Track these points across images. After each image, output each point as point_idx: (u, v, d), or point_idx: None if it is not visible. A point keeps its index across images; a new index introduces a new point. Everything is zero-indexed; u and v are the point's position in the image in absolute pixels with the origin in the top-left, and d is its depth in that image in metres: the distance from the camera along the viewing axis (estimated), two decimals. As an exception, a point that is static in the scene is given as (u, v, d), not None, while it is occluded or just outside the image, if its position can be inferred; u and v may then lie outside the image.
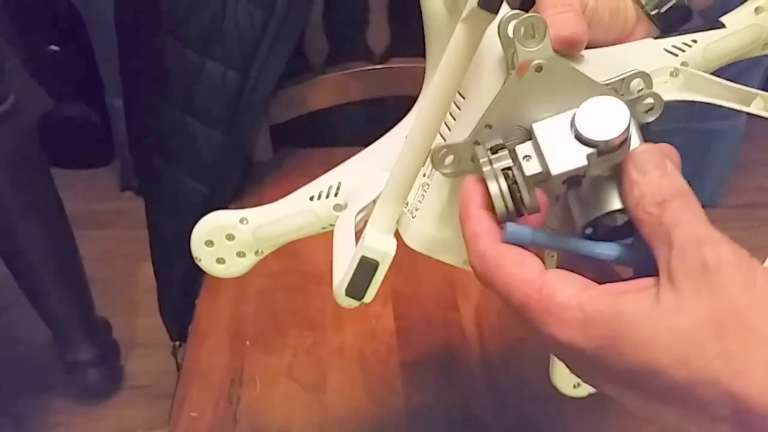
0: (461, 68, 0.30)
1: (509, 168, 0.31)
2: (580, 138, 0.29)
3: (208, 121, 0.75)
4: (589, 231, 0.31)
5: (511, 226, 0.30)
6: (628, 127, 0.29)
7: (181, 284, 0.85)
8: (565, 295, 0.27)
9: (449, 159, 0.35)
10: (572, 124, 0.30)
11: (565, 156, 0.30)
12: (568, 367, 0.30)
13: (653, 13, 0.40)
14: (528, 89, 0.32)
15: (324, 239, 0.75)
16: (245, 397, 0.59)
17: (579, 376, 0.31)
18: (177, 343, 0.93)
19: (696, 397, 0.24)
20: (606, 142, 0.29)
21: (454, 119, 0.37)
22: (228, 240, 0.46)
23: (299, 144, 0.88)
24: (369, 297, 0.32)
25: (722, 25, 0.42)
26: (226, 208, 0.71)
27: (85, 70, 1.53)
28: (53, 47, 1.55)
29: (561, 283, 0.28)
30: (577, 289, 0.28)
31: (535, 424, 0.58)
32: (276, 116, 0.82)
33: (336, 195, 0.44)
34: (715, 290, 0.25)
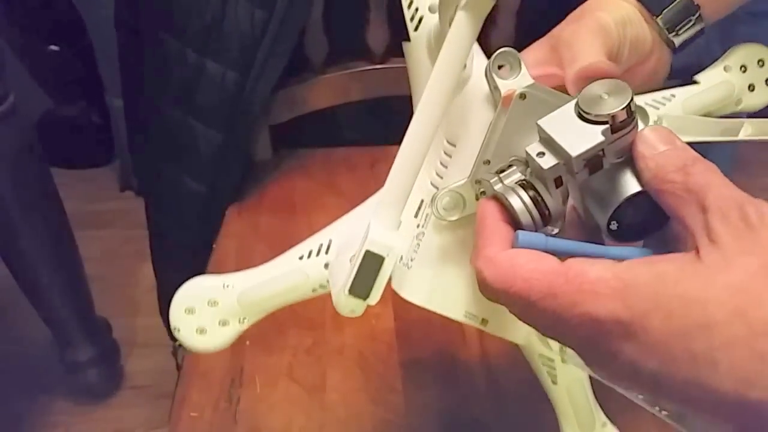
0: (461, 57, 0.31)
1: (523, 180, 0.31)
2: (587, 119, 0.29)
3: (208, 121, 0.75)
4: (614, 226, 0.30)
5: (523, 234, 0.30)
6: (632, 99, 0.29)
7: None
8: (596, 270, 0.26)
9: (451, 203, 0.35)
10: (576, 109, 0.30)
11: (579, 138, 0.29)
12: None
13: (671, 35, 0.42)
14: (517, 118, 0.33)
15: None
16: (245, 397, 0.59)
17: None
18: (177, 343, 0.93)
19: (757, 352, 0.23)
20: (613, 115, 0.28)
21: (446, 167, 0.38)
22: (210, 306, 0.43)
23: (299, 144, 0.88)
24: (374, 297, 0.30)
25: (696, 83, 0.46)
26: (225, 208, 0.71)
27: (85, 70, 1.54)
28: (53, 47, 1.55)
29: (587, 264, 0.27)
30: (607, 264, 0.26)
31: (535, 424, 0.58)
32: (276, 116, 0.82)
33: (327, 252, 0.41)
34: (764, 245, 0.24)
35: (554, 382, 0.45)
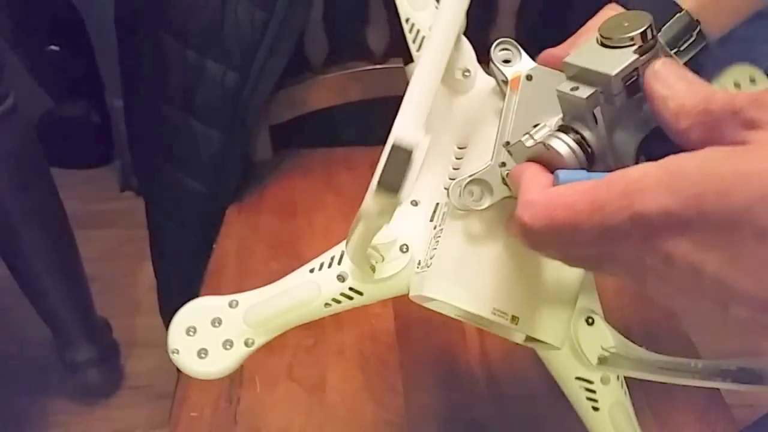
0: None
1: (560, 126, 0.31)
2: (612, 45, 0.29)
3: (208, 121, 0.75)
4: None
5: (563, 172, 0.29)
6: (652, 23, 0.29)
7: (181, 284, 0.85)
8: (639, 168, 0.24)
9: (478, 192, 0.35)
10: (599, 40, 0.30)
11: (612, 60, 0.29)
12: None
13: (674, 52, 0.41)
14: (527, 98, 0.34)
15: (324, 239, 0.75)
16: (245, 397, 0.59)
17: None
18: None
19: None
20: (637, 35, 0.28)
21: (458, 169, 0.39)
22: (214, 326, 0.39)
23: (299, 144, 0.88)
24: (405, 193, 0.27)
25: None
26: (225, 208, 0.70)
27: (85, 70, 1.53)
28: (53, 47, 1.55)
29: (628, 168, 0.25)
30: (646, 164, 0.24)
31: (536, 424, 0.58)
32: (276, 116, 0.82)
33: (339, 263, 0.40)
34: None
35: (595, 409, 0.42)
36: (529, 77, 0.34)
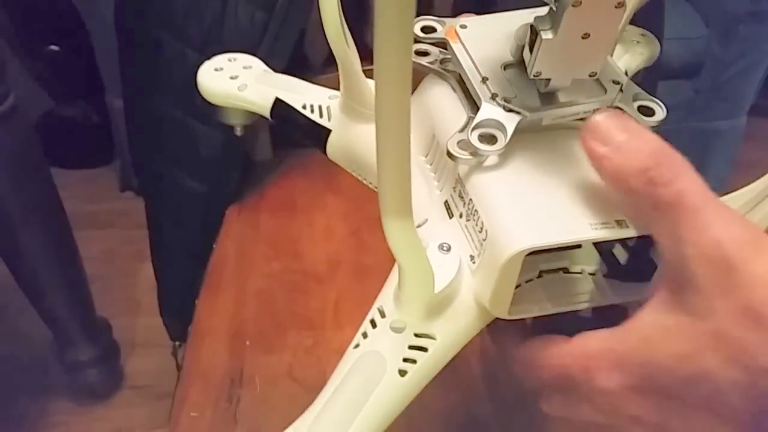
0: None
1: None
2: None
3: (208, 121, 0.75)
4: None
5: None
6: None
7: (181, 284, 0.85)
8: (596, 343, 0.28)
9: (486, 134, 0.30)
10: None
11: None
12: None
13: None
14: (473, 40, 0.34)
15: (324, 239, 0.75)
16: (245, 397, 0.59)
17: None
18: (177, 343, 0.93)
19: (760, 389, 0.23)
20: None
21: (435, 173, 0.35)
22: None
23: (299, 144, 0.88)
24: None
25: None
26: (225, 208, 0.70)
27: (85, 70, 1.54)
28: (53, 47, 1.55)
29: (587, 340, 0.28)
30: (603, 335, 0.28)
31: (535, 424, 0.58)
32: (276, 116, 0.82)
33: (383, 317, 0.32)
34: (744, 285, 0.23)
35: None
36: (462, 26, 0.34)
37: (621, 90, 0.31)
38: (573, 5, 0.26)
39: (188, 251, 0.82)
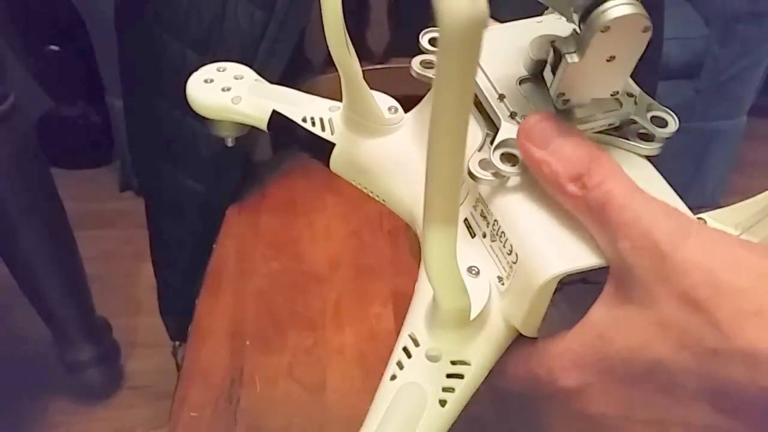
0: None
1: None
2: None
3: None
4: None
5: None
6: None
7: (181, 284, 0.85)
8: (557, 346, 0.28)
9: (505, 155, 0.30)
10: None
11: None
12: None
13: None
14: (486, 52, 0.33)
15: (324, 240, 0.75)
16: (245, 397, 0.59)
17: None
18: (177, 343, 0.93)
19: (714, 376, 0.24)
20: None
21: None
22: None
23: (299, 145, 0.88)
24: None
25: None
26: (225, 208, 0.70)
27: (85, 70, 1.54)
28: (53, 47, 1.55)
29: (550, 344, 0.28)
30: (565, 340, 0.28)
31: (535, 423, 0.58)
32: (276, 116, 0.82)
33: (417, 345, 0.31)
34: (679, 270, 0.24)
35: None
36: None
37: (635, 102, 0.31)
38: (602, 30, 0.26)
39: (188, 251, 0.82)
